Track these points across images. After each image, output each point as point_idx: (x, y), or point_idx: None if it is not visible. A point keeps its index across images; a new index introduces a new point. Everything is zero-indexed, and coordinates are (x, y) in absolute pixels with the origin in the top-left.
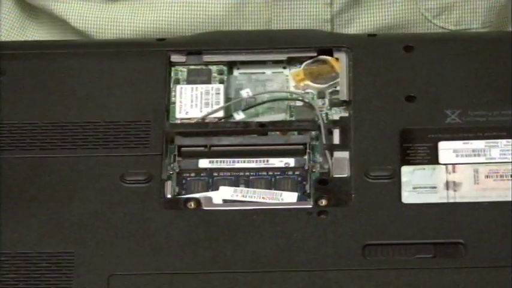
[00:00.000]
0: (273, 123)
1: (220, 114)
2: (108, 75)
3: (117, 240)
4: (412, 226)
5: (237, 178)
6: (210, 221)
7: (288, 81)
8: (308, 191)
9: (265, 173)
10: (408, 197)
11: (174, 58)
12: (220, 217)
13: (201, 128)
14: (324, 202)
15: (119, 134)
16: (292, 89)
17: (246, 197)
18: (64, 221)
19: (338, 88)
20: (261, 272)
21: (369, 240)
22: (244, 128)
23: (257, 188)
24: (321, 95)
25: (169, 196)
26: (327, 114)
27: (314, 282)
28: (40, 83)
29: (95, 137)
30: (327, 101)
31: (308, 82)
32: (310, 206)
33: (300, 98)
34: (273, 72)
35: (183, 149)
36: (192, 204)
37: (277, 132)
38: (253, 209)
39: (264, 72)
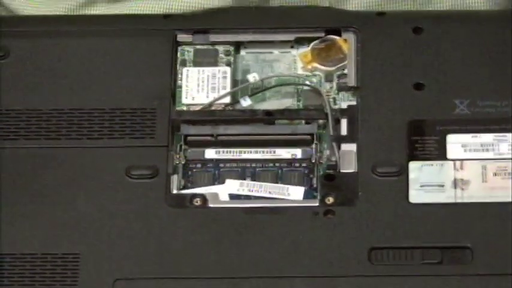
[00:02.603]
0: (280, 112)
1: (227, 99)
2: (112, 55)
3: (123, 241)
4: (418, 228)
5: (243, 170)
6: (216, 220)
7: (295, 62)
8: (315, 185)
9: (271, 165)
10: (415, 196)
11: (181, 37)
12: (225, 216)
13: (207, 116)
14: (330, 200)
15: (124, 122)
16: (299, 71)
17: (252, 191)
18: (69, 220)
19: (346, 71)
20: (265, 277)
21: (375, 243)
22: (251, 117)
23: (263, 181)
24: (328, 78)
25: (175, 191)
26: (334, 99)
27: None
28: (39, 63)
29: (100, 125)
30: (334, 84)
31: (316, 64)
32: (317, 204)
33: (308, 84)
34: (281, 52)
35: (189, 138)
36: (198, 201)
37: (286, 121)
38: (259, 207)
39: (271, 52)
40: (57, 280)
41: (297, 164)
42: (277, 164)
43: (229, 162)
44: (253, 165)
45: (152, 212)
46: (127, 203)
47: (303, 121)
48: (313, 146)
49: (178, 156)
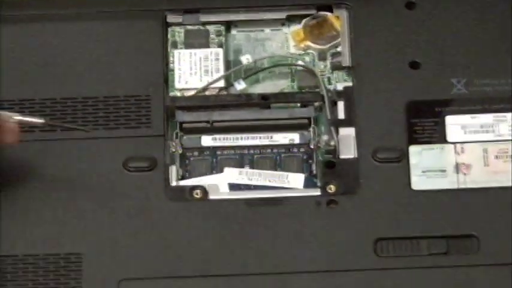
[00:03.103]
0: (276, 96)
1: (221, 83)
2: (100, 39)
3: (126, 239)
4: (423, 216)
5: (241, 157)
6: (217, 213)
7: (287, 40)
8: (315, 171)
9: (269, 151)
10: (418, 182)
11: (171, 18)
12: (227, 209)
13: (202, 101)
14: (332, 188)
15: (119, 111)
16: (292, 50)
17: (251, 179)
18: (69, 218)
19: (339, 49)
20: (269, 274)
21: (380, 234)
22: (247, 101)
23: (262, 168)
24: (322, 56)
25: (174, 183)
26: (329, 78)
27: (325, 286)
28: (24, 51)
29: (95, 115)
30: (328, 63)
31: (308, 42)
32: (319, 193)
33: (302, 64)
34: (272, 30)
35: (184, 125)
36: (198, 193)
37: (281, 104)
38: (260, 198)
39: (262, 30)
40: (61, 282)
41: (295, 150)
42: (275, 150)
43: (227, 149)
44: (251, 151)
45: (153, 207)
46: (127, 198)
47: (299, 104)
48: (311, 129)
49: (174, 144)
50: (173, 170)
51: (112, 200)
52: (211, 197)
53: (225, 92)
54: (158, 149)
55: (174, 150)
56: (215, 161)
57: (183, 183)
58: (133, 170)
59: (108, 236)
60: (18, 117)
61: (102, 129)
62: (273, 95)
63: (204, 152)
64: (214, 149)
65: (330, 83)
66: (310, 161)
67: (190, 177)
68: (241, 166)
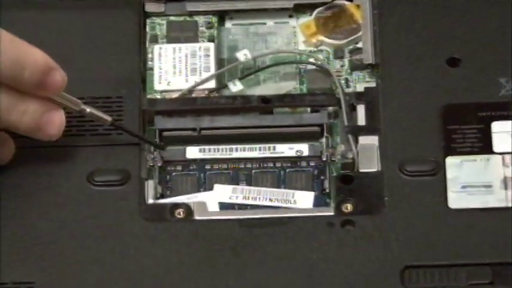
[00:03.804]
0: (280, 98)
1: (212, 84)
2: (67, 31)
3: (88, 267)
4: (462, 240)
5: (235, 173)
6: (204, 236)
7: (295, 35)
8: (327, 189)
9: (271, 165)
10: (456, 199)
11: (150, 7)
12: (216, 231)
13: (187, 104)
14: (349, 207)
15: (83, 116)
16: (301, 46)
17: (248, 198)
18: (22, 241)
19: (360, 45)
20: None
21: (408, 261)
22: (244, 105)
23: (262, 185)
24: (338, 54)
25: (150, 201)
26: (347, 80)
27: None
28: None
29: None
30: (346, 62)
31: (322, 37)
32: (332, 214)
33: (313, 61)
34: (276, 23)
35: (165, 133)
36: (180, 213)
37: (286, 109)
38: (259, 218)
39: (264, 23)
40: None
41: (304, 163)
42: (278, 164)
43: (218, 163)
44: (248, 165)
45: (123, 228)
46: (91, 217)
47: (309, 109)
48: (323, 140)
49: (153, 156)
50: (150, 186)
51: (73, 220)
52: (197, 217)
53: (216, 94)
54: (132, 160)
55: (152, 164)
56: (203, 177)
57: (162, 201)
58: (100, 185)
59: (67, 263)
60: (91, 110)
61: (62, 136)
62: (277, 97)
63: (190, 166)
64: (202, 162)
65: (347, 85)
66: (322, 177)
67: (172, 195)
68: (236, 183)
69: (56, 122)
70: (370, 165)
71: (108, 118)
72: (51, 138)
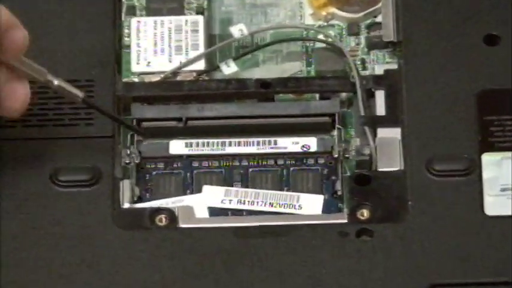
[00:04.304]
0: (283, 82)
1: (201, 65)
2: (30, 2)
3: (49, 282)
4: (500, 253)
5: (229, 172)
6: (191, 248)
7: (301, 7)
8: (340, 192)
9: (272, 163)
10: (494, 204)
11: None
12: (205, 242)
13: (171, 90)
14: (365, 214)
15: (47, 102)
16: (308, 20)
17: (244, 202)
18: None
19: (379, 19)
20: None
21: (435, 278)
22: (239, 90)
23: (261, 187)
24: (353, 29)
25: (126, 205)
26: (363, 61)
27: None
28: None
29: None
30: (363, 39)
31: (333, 9)
32: (345, 221)
33: (322, 38)
34: None
35: (144, 124)
36: (162, 219)
37: (290, 95)
38: (257, 226)
39: None
40: None
41: (311, 161)
42: (280, 162)
43: (208, 160)
44: (245, 163)
45: (93, 238)
46: (55, 224)
47: (318, 95)
48: (335, 132)
49: (129, 152)
50: (126, 187)
51: (33, 228)
52: (183, 224)
53: (206, 78)
54: (104, 156)
55: (128, 161)
56: (190, 176)
57: (141, 205)
58: (65, 185)
59: (28, 278)
60: (59, 83)
61: (21, 127)
62: (279, 81)
63: (174, 163)
64: (188, 159)
65: (364, 67)
66: (334, 178)
67: (152, 199)
68: (230, 184)
69: (18, 94)
70: (391, 163)
71: (80, 93)
72: (12, 114)
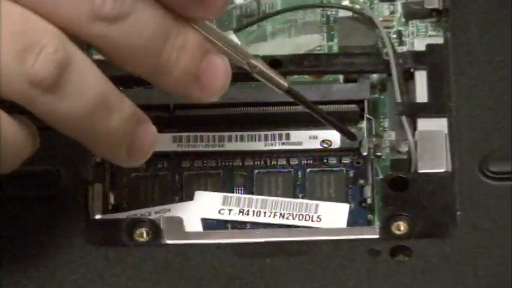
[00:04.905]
0: (297, 60)
1: None
2: None
3: None
4: None
5: (229, 173)
6: (180, 268)
7: None
8: (369, 200)
9: (284, 162)
10: None
11: None
12: (198, 261)
13: None
14: (402, 227)
15: None
16: None
17: (248, 213)
18: None
19: None
20: None
21: None
22: (241, 70)
23: (270, 193)
24: None
25: (98, 216)
26: (400, 33)
27: None
28: None
29: None
30: (399, 7)
31: None
32: (376, 237)
33: (347, 5)
34: None
35: None
36: (144, 233)
37: (306, 77)
38: (264, 243)
39: None
40: None
41: (333, 160)
42: (294, 162)
43: (201, 159)
44: (249, 163)
45: (56, 256)
46: (7, 238)
47: (341, 77)
48: (363, 124)
49: None
50: (97, 193)
51: None
52: (169, 240)
53: None
54: (68, 154)
55: (98, 161)
56: (179, 179)
57: (116, 216)
58: (18, 192)
59: None
60: (262, 68)
61: None
62: (292, 58)
63: (158, 162)
64: (177, 157)
65: (401, 41)
66: (362, 181)
67: (130, 208)
68: (229, 189)
69: (219, 69)
70: (435, 163)
71: (285, 82)
72: (207, 98)
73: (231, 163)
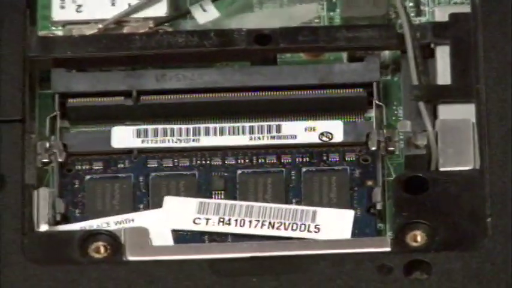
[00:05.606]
0: (290, 35)
1: (162, 10)
2: None
3: None
4: None
5: (206, 174)
6: None
7: None
8: (379, 205)
9: (274, 160)
10: None
11: None
12: (168, 281)
13: (114, 48)
14: (419, 238)
15: None
16: None
17: (229, 223)
18: None
19: None
20: None
21: None
22: (221, 47)
23: (256, 199)
24: None
25: (44, 228)
26: (417, 2)
27: None
28: None
29: None
30: None
31: None
32: (388, 250)
33: None
34: None
35: (71, 101)
36: (101, 249)
37: (302, 55)
38: (250, 259)
39: None
40: None
41: (335, 157)
42: (287, 159)
43: (172, 157)
44: (231, 161)
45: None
46: None
47: (345, 55)
48: (372, 113)
49: (48, 145)
50: (43, 199)
51: None
52: (132, 256)
53: (169, 29)
54: (8, 152)
55: (47, 160)
56: (143, 182)
57: (67, 227)
58: None
59: None
60: None
61: None
62: (284, 32)
63: (118, 162)
64: (142, 155)
65: (418, 13)
66: (370, 183)
67: (84, 218)
68: (207, 194)
69: None
70: (460, 159)
71: None
72: None
73: (208, 162)
